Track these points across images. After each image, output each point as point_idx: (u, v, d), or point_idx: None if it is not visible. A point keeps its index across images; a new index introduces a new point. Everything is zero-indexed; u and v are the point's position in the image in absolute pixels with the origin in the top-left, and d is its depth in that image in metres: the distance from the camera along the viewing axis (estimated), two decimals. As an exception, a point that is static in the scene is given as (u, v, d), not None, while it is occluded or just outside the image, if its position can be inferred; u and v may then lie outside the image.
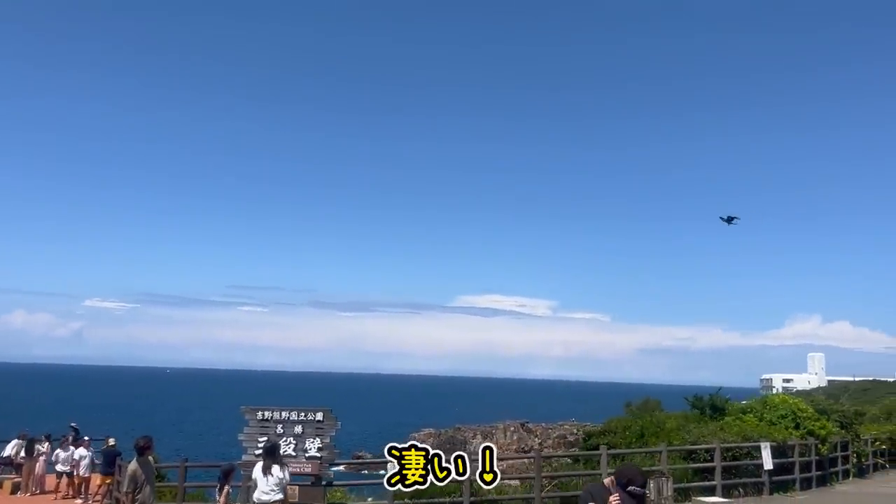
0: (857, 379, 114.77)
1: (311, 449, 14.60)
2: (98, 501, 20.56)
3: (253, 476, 10.30)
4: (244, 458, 14.83)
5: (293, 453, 14.61)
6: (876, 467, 25.19)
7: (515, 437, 62.47)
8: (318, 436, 14.68)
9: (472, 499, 15.45)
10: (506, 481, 17.67)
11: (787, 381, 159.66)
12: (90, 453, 21.54)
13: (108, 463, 21.22)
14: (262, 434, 14.78)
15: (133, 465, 9.87)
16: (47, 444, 23.14)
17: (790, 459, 19.18)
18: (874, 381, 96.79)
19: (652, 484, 16.29)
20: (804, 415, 21.03)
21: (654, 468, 16.84)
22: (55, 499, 21.02)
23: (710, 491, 17.49)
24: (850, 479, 22.61)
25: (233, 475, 11.57)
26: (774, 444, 18.60)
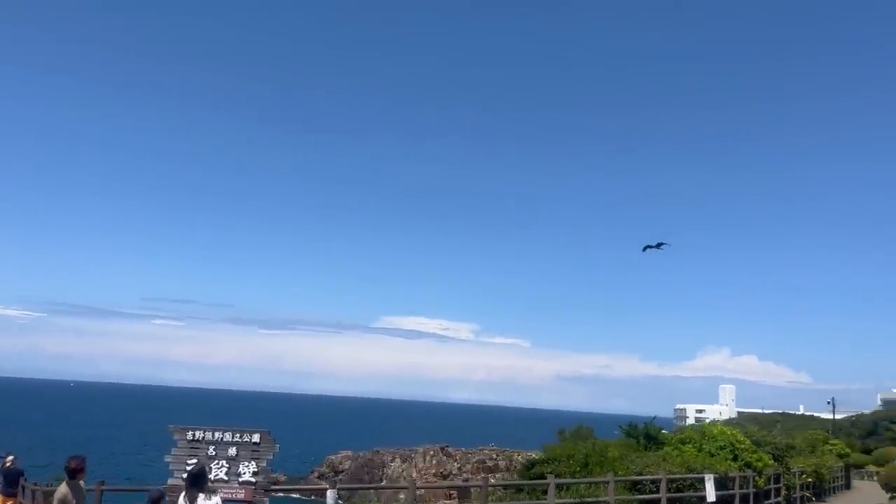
0: (765, 411, 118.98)
1: (245, 473, 13.52)
2: None
3: None
4: (170, 481, 13.59)
5: (225, 477, 13.50)
6: (802, 500, 25.60)
7: (435, 462, 61.87)
8: (253, 459, 13.63)
9: (416, 529, 14.61)
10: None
11: (700, 411, 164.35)
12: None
13: (10, 483, 19.35)
14: (192, 456, 13.61)
15: (63, 489, 8.68)
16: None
17: (731, 492, 19.12)
18: (783, 413, 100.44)
19: (599, 515, 15.86)
20: (742, 446, 21.12)
21: (600, 499, 16.42)
22: None
23: (655, 523, 17.17)
24: (782, 510, 22.83)
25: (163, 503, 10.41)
26: (717, 475, 18.50)
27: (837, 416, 77.70)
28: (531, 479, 18.28)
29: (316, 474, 63.48)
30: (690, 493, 18.11)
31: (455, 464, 60.75)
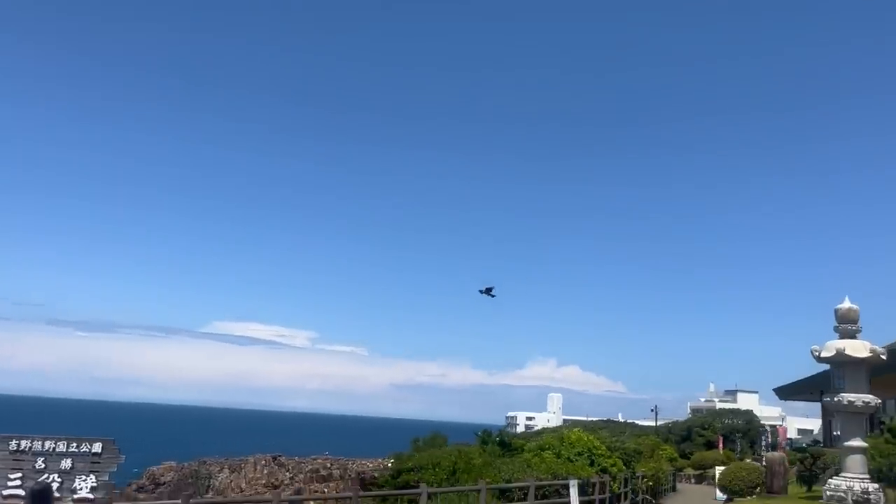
0: (590, 418, 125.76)
1: (82, 489, 11.67)
2: None
3: None
4: (-15, 500, 11.46)
5: (57, 494, 11.55)
6: (644, 502, 26.72)
7: (266, 472, 59.61)
8: (93, 472, 11.81)
9: (279, 547, 13.30)
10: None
11: (530, 418, 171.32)
12: None
13: None
14: (16, 469, 11.57)
15: None
16: None
17: (591, 497, 19.36)
18: (607, 420, 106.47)
19: (471, 525, 15.34)
20: (598, 452, 21.55)
21: (471, 508, 15.93)
22: None
23: (523, 530, 16.94)
24: (629, 514, 23.59)
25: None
26: (580, 481, 18.65)
27: (652, 423, 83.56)
28: (398, 489, 17.47)
29: (134, 487, 58.92)
30: (555, 499, 18.09)
31: (287, 473, 58.62)
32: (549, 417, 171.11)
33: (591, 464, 21.07)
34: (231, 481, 57.09)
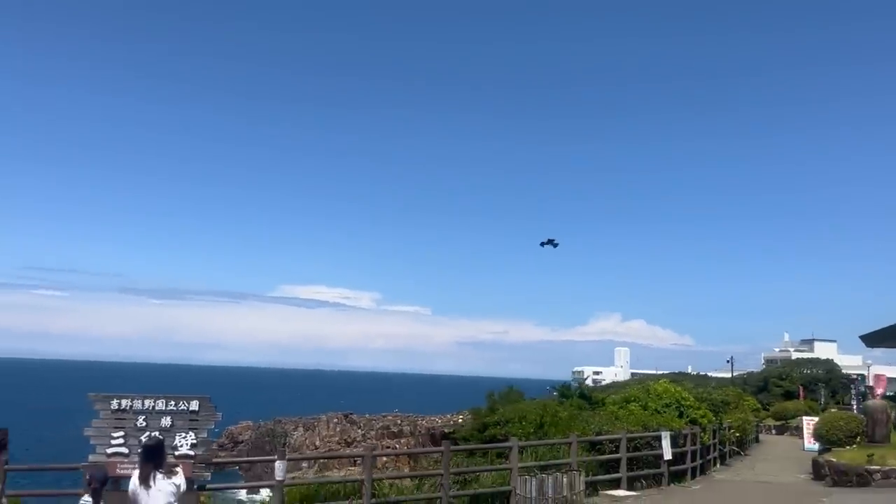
0: (659, 372, 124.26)
1: (182, 446, 11.73)
2: None
3: (130, 489, 7.25)
4: (91, 458, 11.66)
5: (158, 451, 11.69)
6: (731, 454, 26.03)
7: (338, 429, 60.99)
8: (192, 429, 11.85)
9: (374, 501, 13.27)
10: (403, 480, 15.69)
11: (597, 373, 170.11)
12: None
13: None
14: (118, 428, 11.71)
15: None
16: None
17: (682, 449, 18.83)
18: (679, 373, 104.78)
19: (564, 479, 15.04)
20: (687, 403, 20.92)
21: (562, 461, 15.61)
22: None
23: (616, 483, 16.58)
24: (718, 466, 22.97)
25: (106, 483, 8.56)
26: (672, 433, 18.12)
27: (726, 375, 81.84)
28: (485, 443, 17.29)
29: (215, 445, 61.23)
30: (647, 451, 17.64)
31: (359, 430, 59.93)
32: (616, 372, 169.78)
33: (680, 415, 20.48)
34: (306, 439, 58.68)
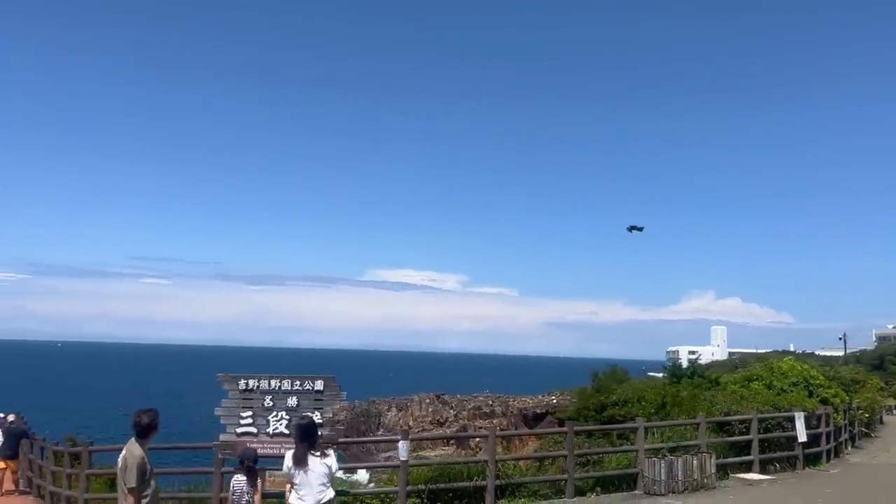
0: (759, 350, 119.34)
1: (308, 426, 11.70)
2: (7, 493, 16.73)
3: (284, 470, 7.09)
4: (222, 437, 11.77)
5: (286, 431, 11.65)
6: (860, 435, 24.41)
7: (431, 409, 61.26)
8: (317, 409, 11.77)
9: (498, 482, 12.93)
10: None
11: (693, 353, 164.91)
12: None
13: (11, 445, 17.43)
14: (246, 408, 11.76)
15: (139, 451, 6.76)
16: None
17: (817, 430, 17.62)
18: (784, 351, 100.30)
19: (694, 461, 14.28)
20: (816, 382, 19.62)
21: (689, 443, 14.83)
22: None
23: (747, 466, 15.66)
24: (850, 448, 21.53)
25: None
26: (807, 413, 16.98)
27: (835, 353, 77.64)
28: (604, 423, 16.68)
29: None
30: (778, 432, 16.59)
31: (451, 411, 60.07)
32: (713, 351, 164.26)
33: (810, 394, 19.19)
34: (399, 419, 59.28)
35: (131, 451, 6.76)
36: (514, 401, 58.50)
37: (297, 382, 11.87)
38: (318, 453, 6.84)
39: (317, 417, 11.75)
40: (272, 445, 11.75)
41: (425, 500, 12.46)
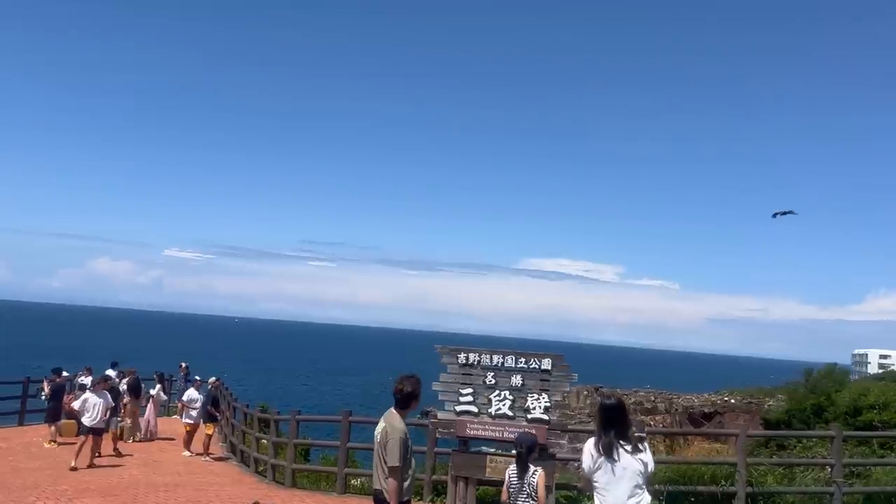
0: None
1: (535, 409, 10.37)
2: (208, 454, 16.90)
3: (585, 464, 5.19)
4: (440, 415, 10.74)
5: (510, 413, 10.43)
6: None
7: (588, 402, 58.74)
8: (544, 390, 10.43)
9: (750, 489, 10.96)
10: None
11: (885, 356, 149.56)
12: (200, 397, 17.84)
13: (213, 407, 17.60)
14: (466, 384, 10.64)
15: (400, 424, 5.68)
16: (158, 385, 19.76)
17: None
18: None
19: None
20: None
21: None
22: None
23: None
24: None
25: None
26: None
27: None
28: (858, 429, 14.12)
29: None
30: None
31: None
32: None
33: None
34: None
35: (392, 424, 5.66)
36: (678, 398, 54.94)
37: (522, 360, 10.61)
38: (629, 445, 4.92)
39: (545, 400, 10.43)
40: (495, 428, 10.58)
41: (663, 503, 10.77)
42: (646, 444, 4.98)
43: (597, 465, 4.91)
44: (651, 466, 4.93)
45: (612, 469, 4.82)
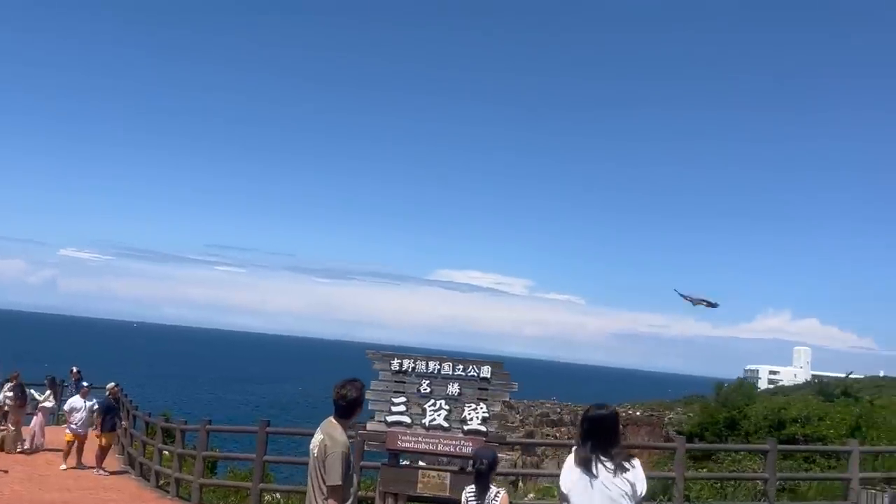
0: (852, 375, 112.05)
1: (472, 419, 9.71)
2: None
3: (563, 481, 4.43)
4: (370, 426, 9.90)
5: (444, 424, 9.72)
6: None
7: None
8: (482, 400, 9.79)
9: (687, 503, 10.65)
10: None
11: (774, 372, 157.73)
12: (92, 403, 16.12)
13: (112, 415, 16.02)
14: (399, 392, 9.88)
15: (342, 436, 4.83)
16: (49, 391, 17.91)
17: None
18: (885, 377, 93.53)
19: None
20: None
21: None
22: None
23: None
24: None
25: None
26: None
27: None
28: (783, 443, 14.15)
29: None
30: None
31: (518, 416, 57.97)
32: (795, 373, 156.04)
33: None
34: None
35: (332, 436, 4.83)
36: (584, 410, 55.92)
37: (460, 367, 9.94)
38: (611, 463, 4.19)
39: (483, 410, 9.79)
40: (428, 440, 9.85)
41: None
42: (635, 462, 4.29)
43: (573, 483, 4.23)
44: (641, 488, 4.25)
45: (591, 485, 4.14)
